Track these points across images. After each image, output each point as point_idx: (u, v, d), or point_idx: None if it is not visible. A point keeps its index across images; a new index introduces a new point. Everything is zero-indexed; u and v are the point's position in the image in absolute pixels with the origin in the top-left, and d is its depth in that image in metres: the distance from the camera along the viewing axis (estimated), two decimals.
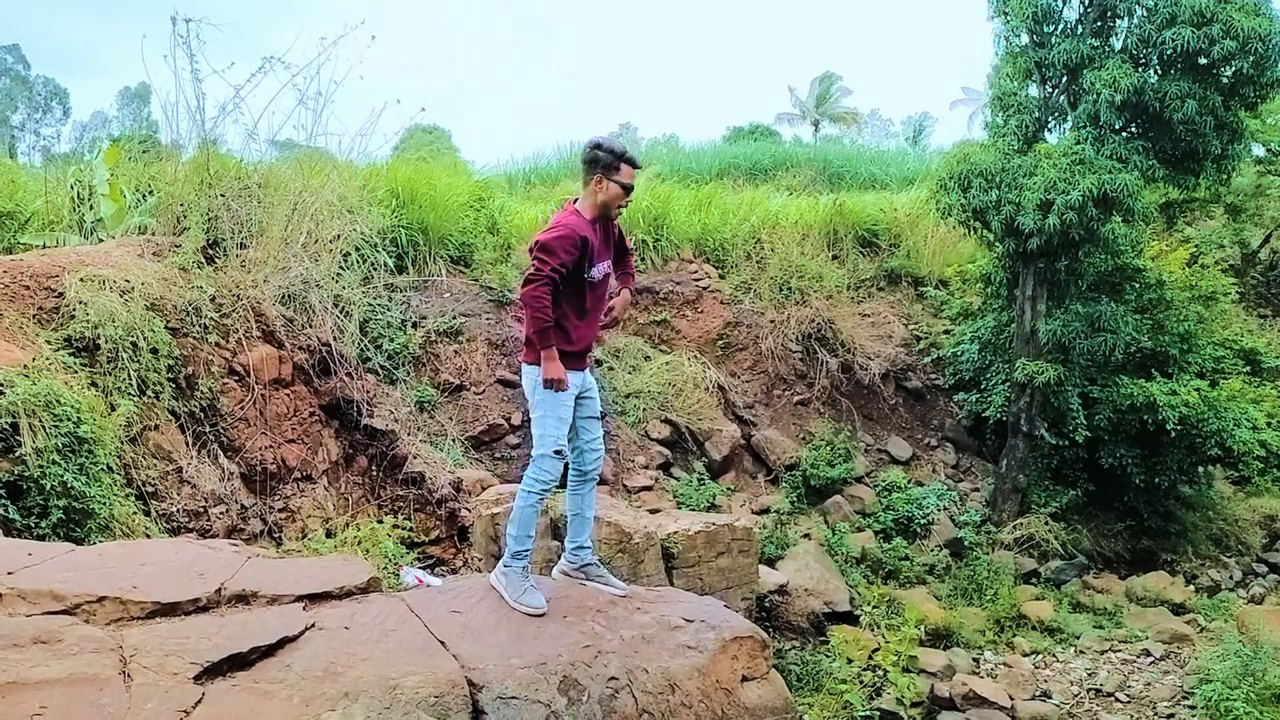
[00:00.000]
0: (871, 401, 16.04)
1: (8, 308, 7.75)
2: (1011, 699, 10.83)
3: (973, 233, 15.64)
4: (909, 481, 14.86)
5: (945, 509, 14.51)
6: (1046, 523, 14.35)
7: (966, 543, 14.08)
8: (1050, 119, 15.02)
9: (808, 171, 25.04)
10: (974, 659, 11.95)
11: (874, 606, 11.72)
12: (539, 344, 4.73)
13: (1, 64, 65.34)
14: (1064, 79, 14.56)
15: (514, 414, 12.50)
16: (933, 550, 13.86)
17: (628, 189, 4.92)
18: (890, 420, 16.10)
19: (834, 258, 17.65)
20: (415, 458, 10.42)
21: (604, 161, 4.83)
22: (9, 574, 4.23)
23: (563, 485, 5.21)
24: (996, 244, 15.20)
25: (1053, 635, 12.62)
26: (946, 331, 17.19)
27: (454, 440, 11.66)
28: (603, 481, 12.28)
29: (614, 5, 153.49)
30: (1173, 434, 13.69)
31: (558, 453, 4.82)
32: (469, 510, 10.25)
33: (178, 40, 10.26)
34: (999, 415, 15.24)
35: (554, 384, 4.73)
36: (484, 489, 10.70)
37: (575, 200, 4.98)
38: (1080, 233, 13.52)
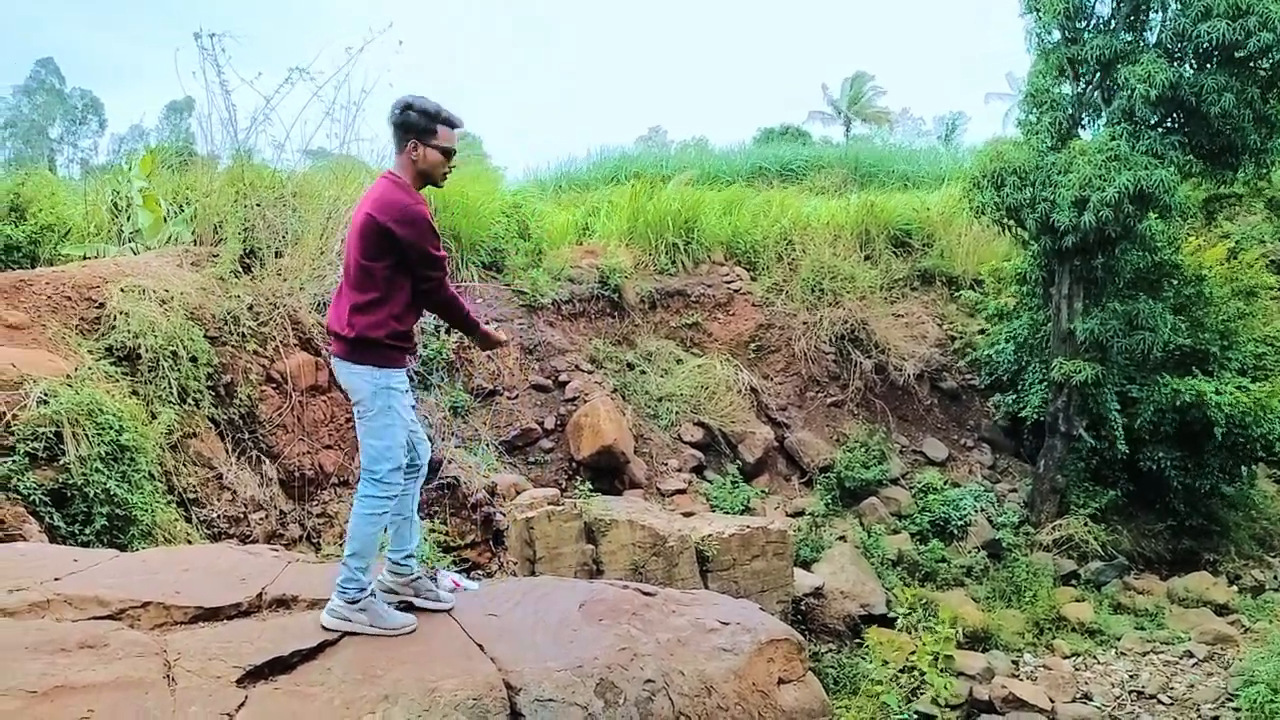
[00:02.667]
0: (906, 403, 15.95)
1: (50, 319, 7.89)
2: (1052, 701, 10.72)
3: (1007, 231, 15.51)
4: (945, 483, 14.75)
5: (982, 510, 14.40)
6: (1086, 523, 14.19)
7: (1004, 544, 13.96)
8: (1084, 115, 14.88)
9: (839, 172, 24.94)
10: (1013, 661, 11.85)
11: (911, 609, 11.64)
12: (468, 328, 4.57)
13: (37, 77, 66.45)
14: (1097, 75, 14.42)
15: (547, 418, 12.56)
16: (970, 552, 13.75)
17: (448, 153, 4.30)
18: (925, 421, 15.99)
19: (866, 258, 17.57)
20: (450, 463, 10.50)
21: (417, 125, 4.20)
22: (55, 580, 4.31)
23: None
24: (1031, 242, 15.08)
25: (1093, 637, 12.48)
26: (982, 331, 17.05)
27: (488, 445, 11.72)
28: (635, 485, 12.32)
29: (639, 6, 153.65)
30: (1220, 435, 13.50)
31: (403, 466, 4.32)
32: (503, 515, 10.31)
33: (205, 54, 10.44)
34: (1036, 415, 15.10)
35: (502, 344, 4.66)
36: (518, 493, 10.77)
37: (389, 173, 4.29)
38: (1116, 229, 13.38)
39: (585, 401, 12.61)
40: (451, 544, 9.90)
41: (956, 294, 17.90)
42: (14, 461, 6.43)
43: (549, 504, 10.39)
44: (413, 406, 4.50)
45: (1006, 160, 14.53)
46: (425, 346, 11.93)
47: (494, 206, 14.49)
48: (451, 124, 4.29)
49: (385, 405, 4.19)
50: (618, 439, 12.18)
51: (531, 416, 12.52)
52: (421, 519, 9.84)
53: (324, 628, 4.14)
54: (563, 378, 13.07)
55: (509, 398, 12.60)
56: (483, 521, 10.28)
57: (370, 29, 10.95)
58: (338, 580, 4.18)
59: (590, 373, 13.41)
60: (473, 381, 12.44)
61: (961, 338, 17.02)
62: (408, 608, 4.41)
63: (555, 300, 14.13)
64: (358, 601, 4.15)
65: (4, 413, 6.64)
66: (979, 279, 17.92)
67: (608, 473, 12.34)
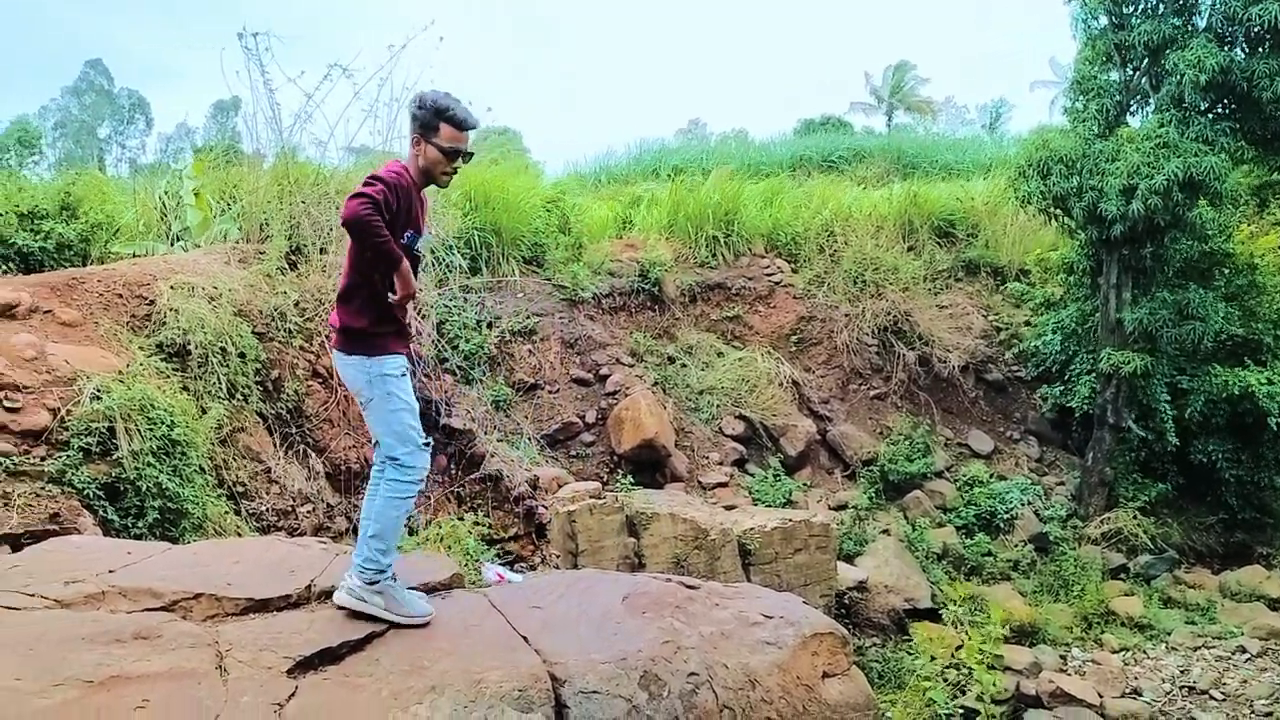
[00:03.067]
0: (951, 395, 15.80)
1: (103, 316, 8.05)
2: (1101, 697, 10.60)
3: (1053, 220, 15.31)
4: (991, 476, 14.61)
5: (1029, 503, 14.23)
6: (1135, 516, 13.99)
7: (1052, 538, 13.80)
8: (1132, 102, 14.64)
9: (881, 162, 24.75)
10: (1061, 656, 11.72)
11: (956, 603, 11.54)
12: (387, 261, 4.00)
13: (86, 78, 67.68)
14: (1145, 61, 14.17)
15: (588, 411, 12.60)
16: (1017, 546, 13.61)
17: (450, 154, 4.16)
18: (970, 414, 15.84)
19: (909, 249, 17.41)
20: (493, 456, 10.57)
21: (422, 120, 4.12)
22: (110, 572, 4.40)
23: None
24: (1078, 231, 14.88)
25: (1143, 631, 12.30)
26: (1028, 322, 16.84)
27: (530, 439, 11.79)
28: (677, 478, 12.32)
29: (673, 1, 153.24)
30: (1276, 426, 13.24)
31: (425, 445, 4.26)
32: (546, 508, 10.36)
33: (248, 54, 10.57)
34: (1084, 407, 14.90)
35: (412, 296, 4.17)
36: (560, 486, 10.82)
37: (395, 161, 4.27)
38: (1166, 218, 13.16)
39: (626, 395, 12.64)
40: (495, 537, 9.98)
41: (1002, 284, 17.69)
42: (68, 456, 6.57)
43: (591, 497, 10.42)
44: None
45: (1053, 149, 14.34)
46: (467, 341, 12.02)
47: (534, 201, 14.55)
48: (459, 125, 4.14)
49: (385, 392, 4.17)
50: (659, 432, 12.19)
51: (573, 410, 12.57)
52: (465, 512, 9.94)
53: (338, 606, 4.18)
54: (603, 371, 13.11)
55: (550, 392, 12.65)
56: (525, 515, 10.35)
57: (411, 27, 11.04)
58: (356, 559, 4.20)
59: (631, 366, 13.43)
60: (514, 376, 12.51)
61: (1007, 329, 16.82)
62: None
63: (596, 294, 14.16)
64: (376, 584, 4.17)
65: (59, 408, 6.79)
66: (1025, 269, 17.70)
67: (649, 466, 12.35)
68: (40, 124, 57.91)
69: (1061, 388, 15.51)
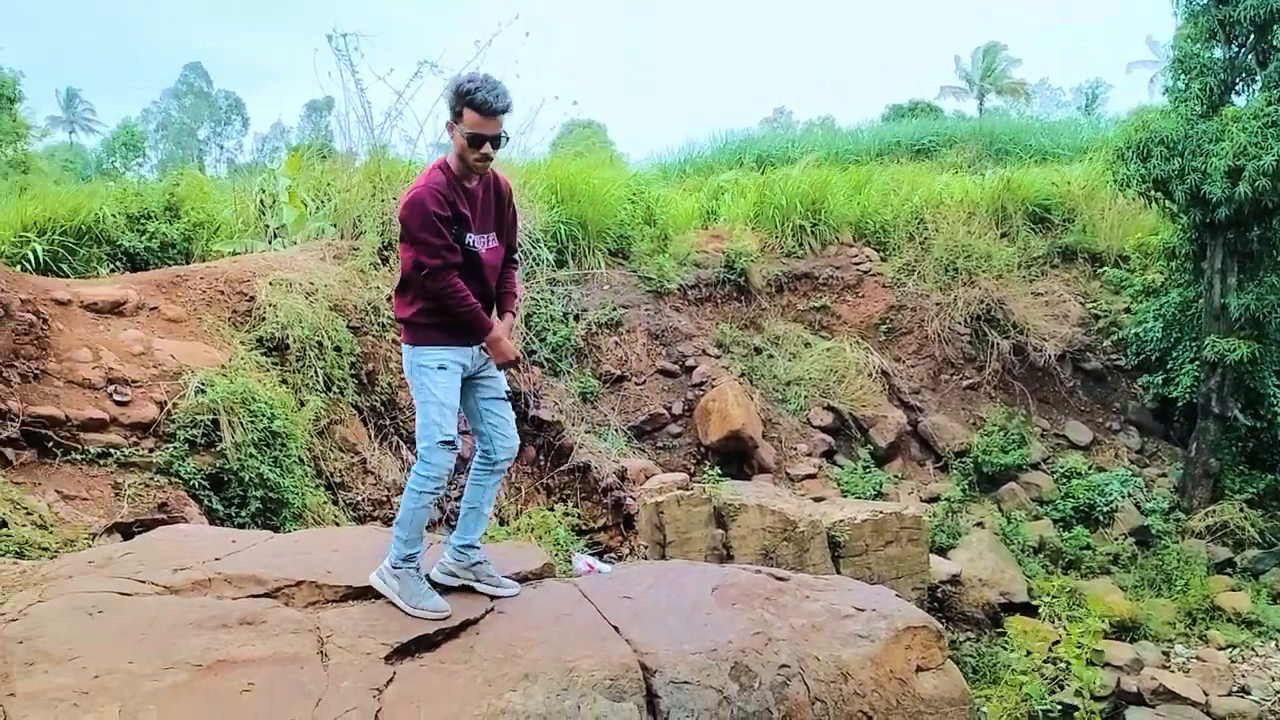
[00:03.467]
0: (1047, 384, 15.40)
1: (206, 312, 8.34)
2: (1206, 694, 10.25)
3: (1154, 204, 14.79)
4: (1090, 467, 14.20)
5: (1130, 495, 13.80)
6: (1241, 509, 13.46)
7: (1154, 531, 13.37)
8: (1237, 80, 14.04)
9: (972, 147, 24.18)
10: (1163, 652, 11.37)
11: (1054, 597, 11.26)
12: (478, 328, 4.09)
13: (185, 81, 70.06)
14: (1251, 37, 13.58)
15: (675, 403, 12.61)
16: (1117, 539, 13.22)
17: (474, 140, 3.96)
18: (1068, 404, 15.41)
19: (1003, 236, 16.99)
20: (581, 448, 10.66)
21: (450, 106, 3.98)
22: (216, 560, 4.56)
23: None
24: (1180, 215, 14.34)
25: (1251, 628, 11.84)
26: (1127, 309, 16.29)
27: (617, 430, 11.85)
28: (764, 469, 12.26)
29: None
30: None
31: (447, 443, 4.13)
32: (633, 499, 10.41)
33: (339, 54, 10.81)
34: (1187, 397, 14.38)
35: (514, 364, 4.25)
36: (647, 478, 10.86)
37: (443, 156, 4.18)
38: (1274, 200, 12.63)
39: (713, 386, 12.61)
40: (584, 527, 10.06)
41: (1100, 271, 17.14)
42: (175, 448, 6.83)
43: (678, 489, 10.44)
44: (496, 398, 4.42)
45: (1153, 130, 13.86)
46: (554, 334, 12.12)
47: (619, 193, 14.59)
48: (481, 109, 3.91)
49: (419, 383, 4.16)
50: (746, 424, 12.14)
51: (659, 402, 12.59)
52: (555, 502, 10.04)
53: (370, 583, 4.28)
54: (690, 363, 13.10)
55: (636, 383, 12.70)
56: (613, 505, 10.41)
57: (498, 22, 11.14)
58: (390, 545, 4.28)
59: (717, 357, 13.39)
60: (601, 367, 12.58)
61: (1106, 316, 16.30)
62: (467, 590, 4.41)
63: (681, 285, 14.16)
64: (398, 569, 4.21)
65: (165, 402, 7.06)
66: (1124, 255, 17.12)
67: (736, 457, 12.31)
68: (143, 126, 60.17)
69: (1163, 376, 14.99)
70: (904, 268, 16.07)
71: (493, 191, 4.27)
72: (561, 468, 10.60)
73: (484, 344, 4.17)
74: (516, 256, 4.57)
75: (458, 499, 4.58)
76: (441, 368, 4.15)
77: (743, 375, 13.31)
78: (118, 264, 10.29)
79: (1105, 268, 17.05)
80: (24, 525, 5.52)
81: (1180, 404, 14.71)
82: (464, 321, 4.05)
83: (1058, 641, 10.58)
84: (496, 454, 4.42)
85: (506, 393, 4.49)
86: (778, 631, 4.24)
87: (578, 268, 13.38)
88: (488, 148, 4.01)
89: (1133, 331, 15.69)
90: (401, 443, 9.04)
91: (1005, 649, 10.70)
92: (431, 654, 3.88)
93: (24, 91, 23.69)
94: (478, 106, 3.90)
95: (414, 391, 4.22)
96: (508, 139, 4.13)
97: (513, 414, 4.53)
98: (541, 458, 10.64)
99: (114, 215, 10.46)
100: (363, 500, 8.18)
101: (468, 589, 4.43)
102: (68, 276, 9.54)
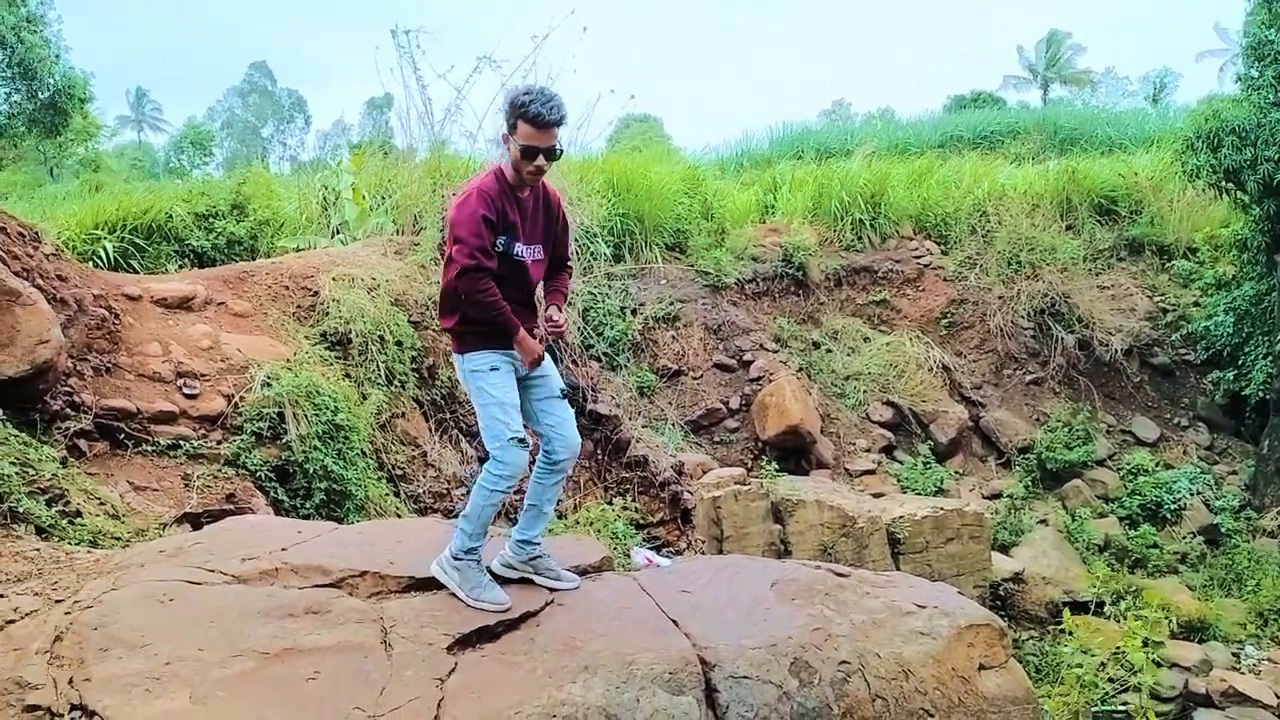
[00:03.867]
0: (1113, 380, 15.09)
1: (271, 307, 8.49)
2: (1277, 697, 9.97)
3: (1225, 195, 14.41)
4: (1157, 464, 13.89)
5: (1198, 493, 13.47)
6: None
7: (1223, 529, 13.04)
8: None
9: (1036, 138, 23.75)
10: (1233, 654, 11.09)
11: (1119, 596, 11.03)
12: (503, 328, 4.12)
13: (250, 80, 71.39)
14: None
15: (732, 397, 12.57)
16: (1185, 538, 12.91)
17: (527, 152, 3.99)
18: (1134, 399, 15.09)
19: (1068, 228, 16.65)
20: (638, 442, 10.67)
21: (506, 118, 4.02)
22: (283, 550, 4.64)
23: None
24: (1253, 206, 13.95)
25: None
26: (1197, 303, 15.89)
27: (674, 425, 11.85)
28: (822, 465, 12.18)
29: None
30: None
31: (518, 440, 4.13)
32: (691, 493, 10.40)
33: (401, 51, 10.93)
34: (1259, 392, 13.99)
35: (538, 361, 4.24)
36: (704, 472, 10.85)
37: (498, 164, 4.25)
38: None
39: (770, 381, 12.55)
40: (641, 521, 10.08)
41: (1168, 264, 16.73)
42: (242, 440, 6.97)
43: (735, 483, 10.41)
44: (551, 397, 4.42)
45: (1224, 119, 13.51)
46: (611, 328, 12.15)
47: (676, 187, 14.56)
48: (535, 122, 3.93)
49: (475, 387, 4.20)
50: (804, 418, 12.06)
51: (716, 396, 12.57)
52: (612, 496, 10.07)
53: (430, 572, 4.32)
54: (747, 357, 13.05)
55: (693, 378, 12.68)
56: (670, 500, 10.41)
57: (553, 17, 11.19)
58: (455, 534, 4.31)
59: (775, 352, 13.32)
60: (658, 362, 12.59)
61: (1174, 310, 15.91)
62: (527, 583, 4.44)
63: (738, 279, 14.10)
64: (458, 561, 4.24)
65: (233, 395, 7.20)
66: (1193, 247, 16.68)
67: (794, 452, 12.24)
68: (208, 124, 61.44)
69: (1234, 372, 14.60)
70: (966, 261, 15.84)
71: (542, 203, 4.30)
72: (619, 462, 10.62)
73: (513, 344, 4.19)
74: (570, 264, 4.61)
75: (519, 495, 4.60)
76: (494, 369, 4.20)
77: (801, 370, 13.23)
78: (185, 260, 10.53)
79: (1173, 260, 16.64)
80: (98, 515, 5.67)
81: (1252, 400, 14.32)
82: (493, 322, 4.10)
83: (1124, 641, 10.37)
84: (557, 454, 4.42)
85: (564, 391, 4.49)
86: (838, 628, 4.20)
87: (634, 262, 13.39)
88: (541, 160, 4.04)
89: (1202, 325, 15.30)
90: (461, 436, 9.13)
91: (1069, 648, 10.50)
92: (492, 645, 3.91)
93: (94, 92, 24.29)
94: (531, 119, 3.93)
95: (473, 397, 4.26)
96: (562, 152, 4.14)
97: (571, 412, 4.53)
98: (599, 452, 10.68)
99: (182, 215, 10.70)
100: (424, 493, 8.27)
101: (527, 581, 4.46)
102: (137, 273, 9.78)
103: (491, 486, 4.19)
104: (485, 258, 4.00)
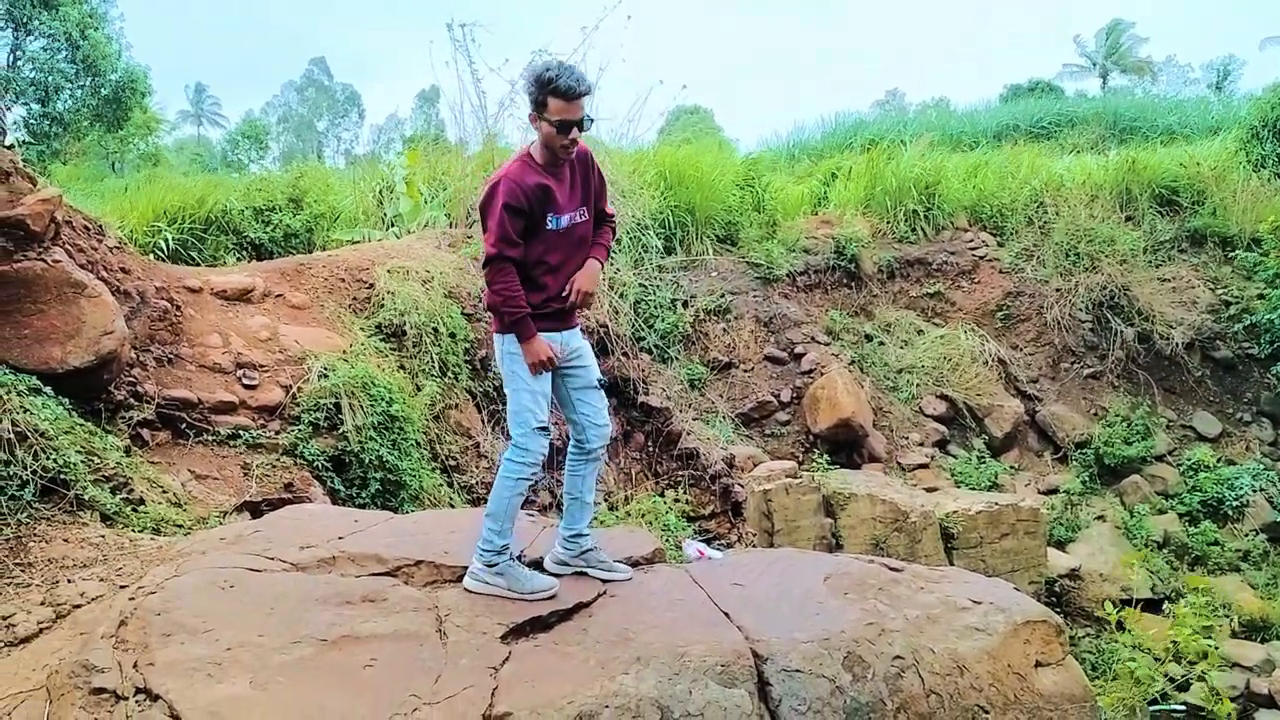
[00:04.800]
0: (1173, 374, 14.77)
1: (327, 299, 8.61)
2: None
3: None
4: (1219, 460, 13.57)
5: (1261, 490, 13.14)
6: None
7: None
8: None
9: (1095, 127, 23.29)
10: None
11: (1179, 594, 10.81)
12: (515, 331, 4.17)
13: (309, 75, 72.35)
14: None
15: (783, 390, 12.50)
16: (1248, 535, 12.61)
17: (562, 126, 4.05)
18: (1195, 394, 14.76)
19: (1127, 219, 16.31)
20: (689, 434, 10.66)
21: (531, 96, 4.09)
22: (340, 539, 4.72)
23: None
24: None
25: None
26: (1261, 295, 15.47)
27: (724, 417, 11.82)
28: (874, 458, 12.08)
29: None
30: None
31: (541, 429, 4.21)
32: (741, 486, 10.37)
33: (456, 45, 11.00)
34: None
35: (540, 365, 4.18)
36: (755, 465, 10.81)
37: (526, 147, 4.34)
38: None
39: (822, 374, 12.46)
40: (693, 514, 10.07)
41: (1232, 255, 16.31)
42: (299, 430, 7.08)
43: (786, 476, 10.36)
44: (588, 387, 4.46)
45: None
46: (662, 320, 12.14)
47: (727, 179, 14.51)
48: (565, 94, 3.99)
49: (509, 370, 4.24)
50: (855, 411, 11.96)
51: (767, 389, 12.51)
52: (664, 488, 10.07)
53: (466, 590, 4.24)
54: (798, 350, 12.97)
55: (744, 370, 12.64)
56: (721, 493, 10.39)
57: (602, 7, 11.19)
58: (478, 542, 4.26)
59: (826, 345, 13.23)
60: (708, 354, 12.56)
61: (1238, 302, 15.51)
62: (580, 575, 4.46)
63: (790, 272, 14.02)
64: (495, 565, 4.21)
65: (290, 385, 7.32)
66: (1257, 238, 16.24)
67: (845, 446, 12.15)
68: (265, 119, 62.38)
69: None
70: (1022, 253, 15.59)
71: (578, 164, 4.33)
72: (670, 454, 10.62)
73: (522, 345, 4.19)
74: (610, 213, 4.61)
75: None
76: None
77: (853, 363, 13.13)
78: (243, 253, 10.70)
79: (1237, 252, 16.23)
80: (160, 503, 5.79)
81: None
82: (507, 315, 4.13)
83: (1183, 639, 10.18)
84: (590, 441, 4.46)
85: (600, 380, 4.51)
86: (891, 622, 4.17)
87: (685, 254, 13.36)
88: (575, 132, 4.10)
89: (1266, 318, 14.90)
90: None
91: (1126, 646, 10.33)
92: (546, 635, 3.95)
93: (154, 87, 24.84)
94: (562, 93, 3.99)
95: (505, 379, 4.29)
96: (593, 121, 4.24)
97: (605, 402, 4.57)
98: (650, 444, 10.68)
99: (240, 208, 10.88)
100: (476, 483, 8.34)
101: (581, 574, 4.49)
102: (196, 264, 9.97)
103: (515, 475, 4.24)
104: (508, 247, 4.07)
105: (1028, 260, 15.47)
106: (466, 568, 4.34)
